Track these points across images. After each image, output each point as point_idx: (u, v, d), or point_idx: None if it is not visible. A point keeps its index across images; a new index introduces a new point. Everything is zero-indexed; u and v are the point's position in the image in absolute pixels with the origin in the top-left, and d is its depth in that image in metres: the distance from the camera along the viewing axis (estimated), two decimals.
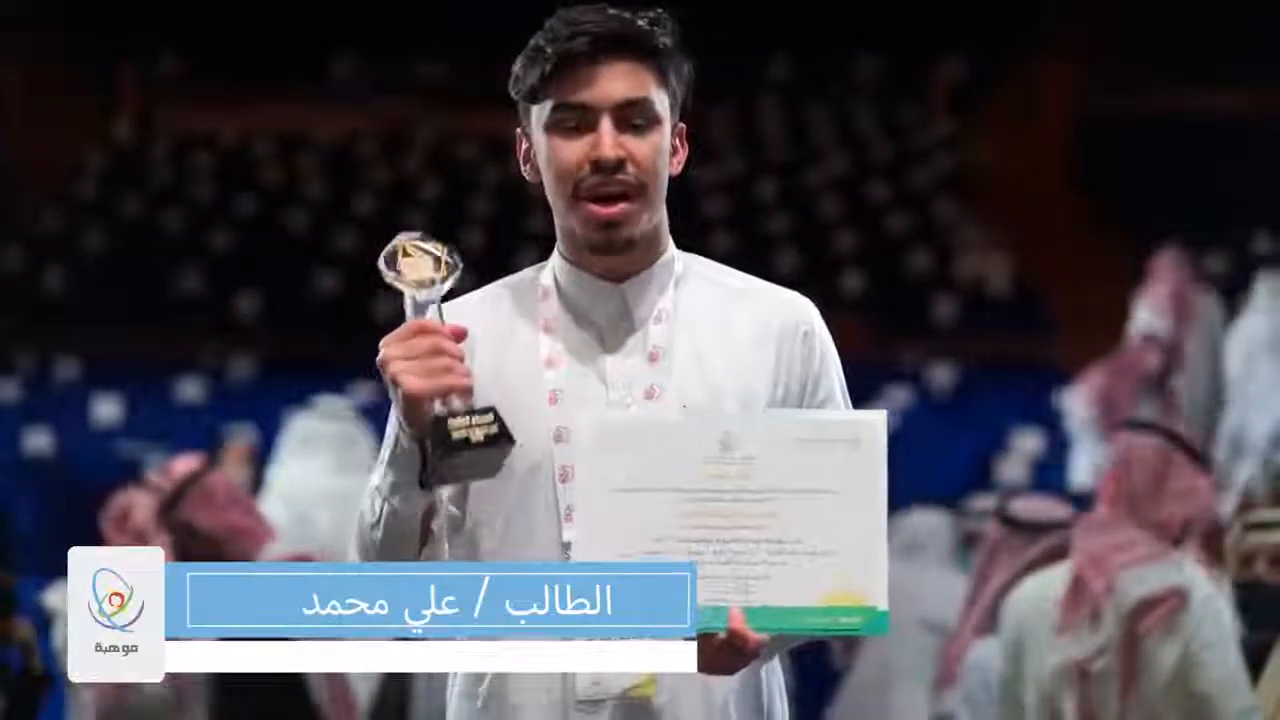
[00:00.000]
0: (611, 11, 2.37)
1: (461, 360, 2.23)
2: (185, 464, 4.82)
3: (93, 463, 9.31)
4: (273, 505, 6.54)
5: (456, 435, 2.20)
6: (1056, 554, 4.43)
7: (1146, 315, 10.08)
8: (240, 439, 8.74)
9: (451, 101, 16.49)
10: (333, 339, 12.90)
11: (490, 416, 2.21)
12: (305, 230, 15.08)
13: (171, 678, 4.60)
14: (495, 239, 14.43)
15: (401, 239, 2.28)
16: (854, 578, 2.23)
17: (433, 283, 2.26)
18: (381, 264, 2.26)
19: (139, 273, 13.96)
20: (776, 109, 16.79)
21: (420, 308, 2.26)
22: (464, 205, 15.30)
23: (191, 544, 4.69)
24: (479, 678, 2.39)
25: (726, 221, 14.69)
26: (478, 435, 2.20)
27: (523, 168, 2.48)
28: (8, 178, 15.30)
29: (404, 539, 2.31)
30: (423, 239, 2.28)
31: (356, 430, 6.97)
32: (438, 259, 2.27)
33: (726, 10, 14.93)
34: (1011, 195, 15.24)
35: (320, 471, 6.69)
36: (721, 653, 2.23)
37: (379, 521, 2.32)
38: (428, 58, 17.31)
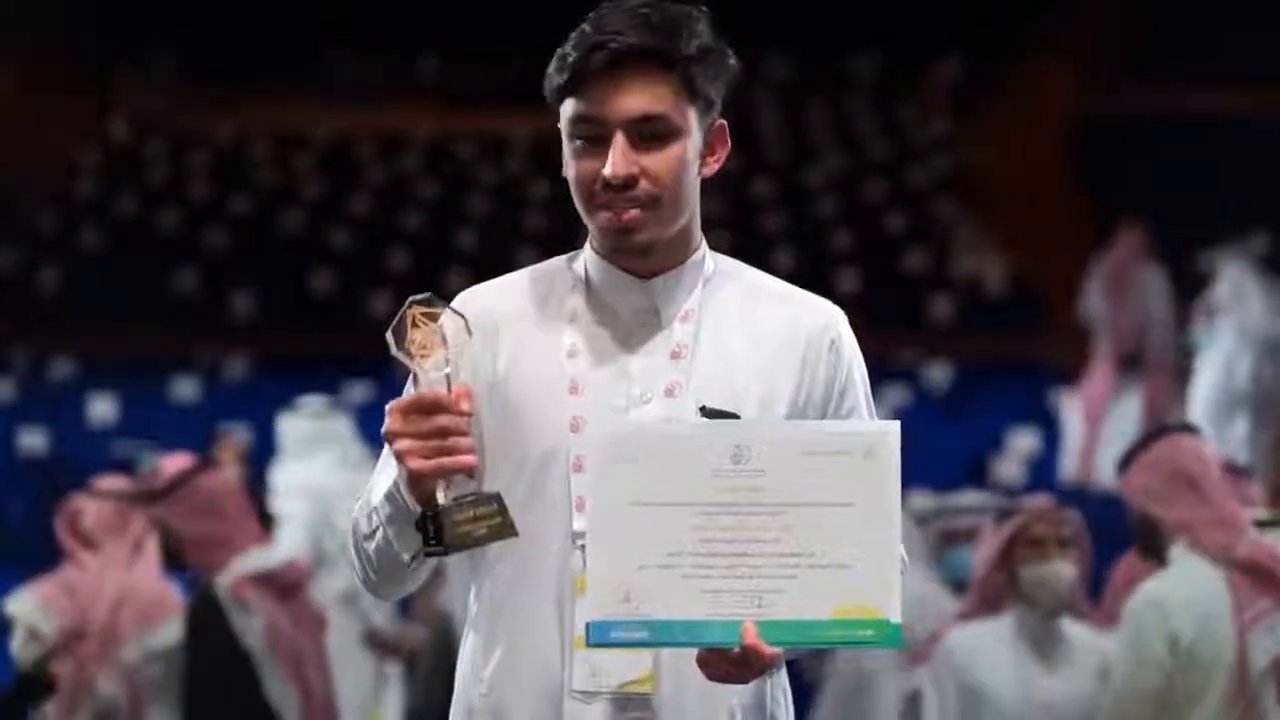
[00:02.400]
0: (643, 10, 2.34)
1: (466, 436, 2.23)
2: (175, 463, 4.83)
3: (87, 461, 9.29)
4: (294, 504, 6.60)
5: (458, 531, 2.20)
6: (1025, 534, 4.49)
7: (1094, 297, 10.26)
8: (234, 437, 8.75)
9: (448, 101, 16.49)
10: (328, 338, 12.89)
11: (494, 507, 2.22)
12: (301, 230, 15.07)
13: (124, 681, 4.62)
14: (492, 239, 14.42)
15: (412, 308, 2.24)
16: (867, 590, 2.21)
17: (446, 361, 2.24)
18: (390, 338, 2.23)
19: (135, 272, 13.95)
20: (774, 108, 16.78)
21: (428, 381, 2.24)
22: (460, 205, 15.29)
23: (167, 541, 4.72)
24: (482, 665, 2.39)
25: (724, 220, 14.68)
26: (479, 532, 2.21)
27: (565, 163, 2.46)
28: (4, 177, 15.28)
29: (398, 560, 2.33)
30: (431, 304, 2.24)
31: (347, 426, 7.05)
32: (440, 334, 2.23)
33: (724, 9, 14.90)
34: (1009, 195, 15.23)
35: (331, 468, 6.77)
36: (735, 666, 2.22)
37: (372, 536, 2.34)
38: (425, 57, 17.31)
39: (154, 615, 4.66)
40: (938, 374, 12.35)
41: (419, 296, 2.24)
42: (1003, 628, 4.52)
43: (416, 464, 2.20)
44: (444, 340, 2.23)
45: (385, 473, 2.34)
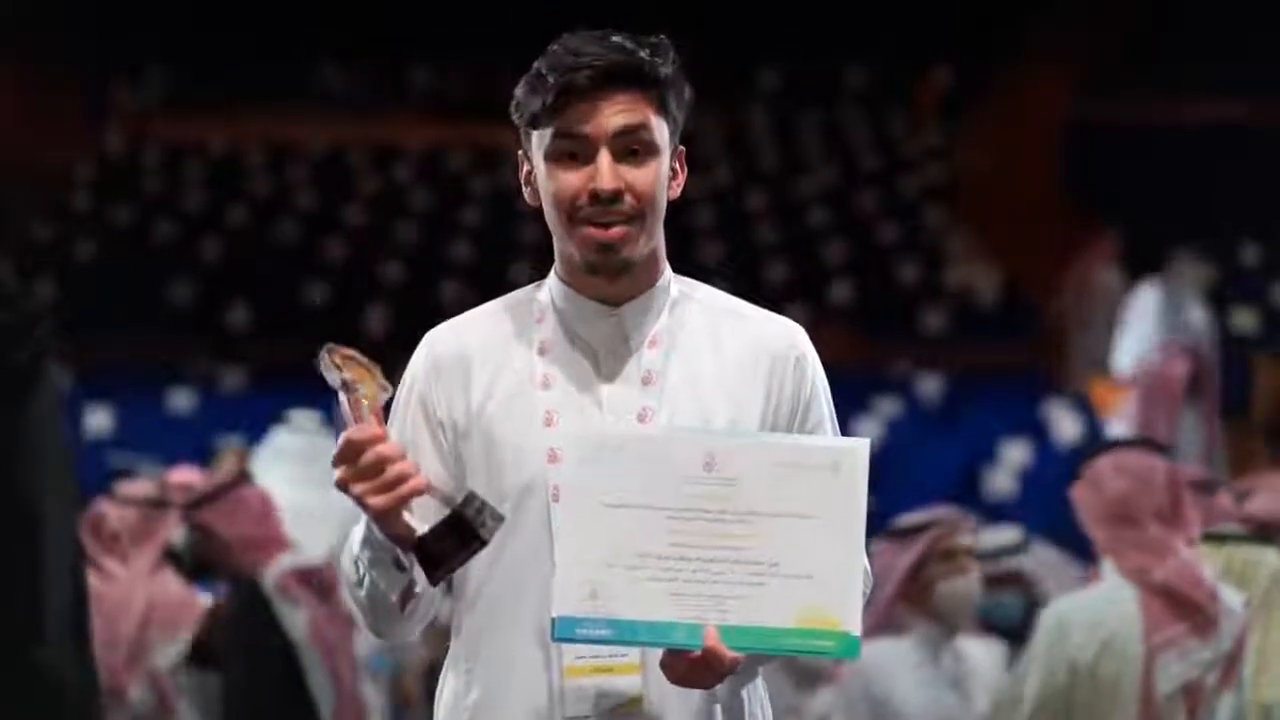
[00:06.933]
0: (615, 39, 2.39)
1: (404, 459, 2.24)
2: (184, 475, 4.91)
3: (84, 473, 9.31)
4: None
5: (484, 534, 2.20)
6: (939, 546, 4.54)
7: (1068, 303, 10.37)
8: (233, 446, 8.76)
9: (442, 112, 16.51)
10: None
11: (478, 503, 2.21)
12: (295, 241, 15.09)
13: (152, 687, 4.67)
14: (485, 250, 14.45)
15: (333, 352, 2.28)
16: (828, 601, 2.27)
17: (382, 389, 2.28)
18: (335, 380, 2.26)
19: (130, 283, 13.96)
20: (766, 119, 16.82)
21: (358, 407, 2.27)
22: (454, 216, 15.32)
23: (206, 546, 4.78)
24: (465, 691, 2.42)
25: (716, 232, 14.71)
26: (492, 525, 2.22)
27: (524, 189, 2.49)
28: None
29: (388, 601, 2.35)
30: (341, 348, 2.29)
31: (324, 444, 7.02)
32: (366, 366, 2.28)
33: (716, 21, 14.95)
34: (1001, 204, 15.27)
35: (281, 483, 6.76)
36: (696, 669, 2.26)
37: (361, 584, 2.35)
38: (417, 68, 17.34)
39: (182, 621, 4.73)
40: (930, 385, 12.37)
41: (330, 345, 2.28)
42: (906, 645, 4.56)
43: (378, 502, 2.22)
44: (370, 375, 2.28)
45: (361, 519, 2.35)
